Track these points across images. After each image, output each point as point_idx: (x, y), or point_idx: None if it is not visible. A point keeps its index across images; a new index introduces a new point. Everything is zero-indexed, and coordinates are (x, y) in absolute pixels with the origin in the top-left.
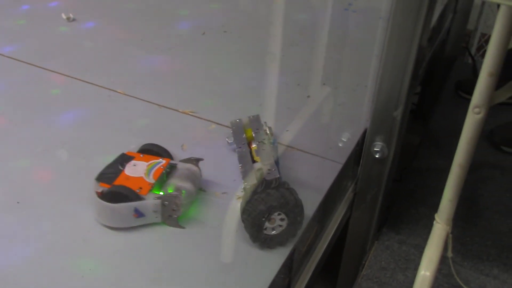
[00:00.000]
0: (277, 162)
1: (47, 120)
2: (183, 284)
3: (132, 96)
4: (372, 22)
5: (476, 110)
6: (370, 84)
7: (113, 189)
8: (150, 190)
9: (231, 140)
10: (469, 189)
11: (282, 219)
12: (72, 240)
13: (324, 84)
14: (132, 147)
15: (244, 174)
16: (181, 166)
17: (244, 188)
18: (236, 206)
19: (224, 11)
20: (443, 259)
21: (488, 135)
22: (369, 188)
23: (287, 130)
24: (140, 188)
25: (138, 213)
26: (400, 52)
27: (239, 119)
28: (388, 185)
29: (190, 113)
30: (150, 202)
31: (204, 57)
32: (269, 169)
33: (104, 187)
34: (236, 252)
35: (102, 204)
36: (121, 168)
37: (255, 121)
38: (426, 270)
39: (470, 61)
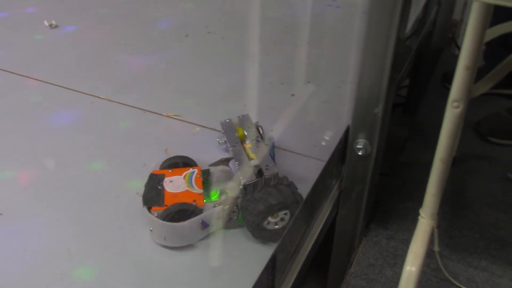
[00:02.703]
0: (273, 158)
1: (29, 129)
2: None
3: (115, 102)
4: (356, 17)
5: (455, 104)
6: (355, 80)
7: (174, 208)
8: (204, 200)
9: (222, 141)
10: (456, 181)
11: (285, 213)
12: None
13: (308, 82)
14: (153, 165)
15: (242, 171)
16: (214, 170)
17: (244, 186)
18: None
19: (208, 12)
20: (431, 253)
21: (475, 127)
22: (354, 186)
23: (272, 130)
24: (195, 200)
25: (204, 225)
26: (378, 47)
27: (229, 119)
28: (373, 181)
29: (174, 116)
30: (213, 210)
31: (187, 59)
32: (267, 165)
33: (158, 210)
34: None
35: (171, 226)
36: (161, 188)
37: (245, 120)
38: (411, 266)
39: (457, 52)
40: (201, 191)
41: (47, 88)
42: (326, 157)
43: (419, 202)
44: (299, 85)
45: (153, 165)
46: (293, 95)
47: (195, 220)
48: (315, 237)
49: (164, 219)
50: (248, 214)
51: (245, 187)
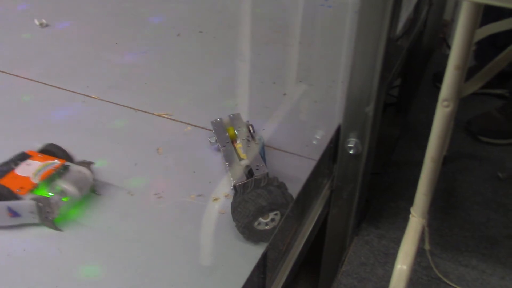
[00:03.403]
0: (263, 158)
1: (19, 128)
2: None
3: (106, 101)
4: (347, 17)
5: (445, 103)
6: (346, 80)
7: None
8: (31, 191)
9: (213, 140)
10: (447, 180)
11: (275, 214)
12: None
13: (300, 81)
14: (35, 146)
15: (232, 172)
16: (73, 168)
17: (234, 186)
18: (213, 207)
19: (200, 11)
20: (422, 252)
21: (465, 126)
22: (345, 185)
23: (263, 129)
24: (21, 188)
25: (13, 213)
26: (369, 47)
27: (220, 119)
28: (365, 180)
29: (165, 115)
30: (24, 202)
31: (179, 59)
32: (257, 165)
33: None
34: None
35: None
36: (14, 167)
37: (236, 120)
38: (402, 264)
39: (448, 52)
40: (38, 182)
41: (38, 87)
42: (317, 156)
43: (410, 201)
44: (290, 84)
45: (37, 146)
46: (284, 94)
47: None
48: (306, 236)
49: None
50: (238, 215)
51: (235, 187)
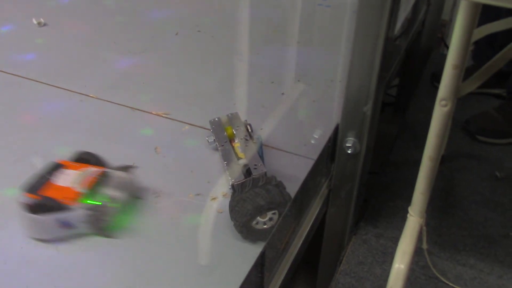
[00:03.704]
0: (262, 157)
1: (16, 128)
2: None
3: (104, 100)
4: (346, 17)
5: (443, 102)
6: (344, 79)
7: (38, 200)
8: (79, 200)
9: (211, 140)
10: (445, 179)
11: (273, 213)
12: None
13: (298, 81)
14: (66, 155)
15: (230, 171)
16: (114, 174)
17: (232, 185)
18: (211, 207)
19: (199, 10)
20: (420, 251)
21: (463, 125)
22: (344, 184)
23: (261, 128)
24: (67, 198)
25: (66, 224)
26: (367, 46)
27: (218, 118)
28: (363, 179)
29: (163, 115)
30: (76, 212)
31: (177, 58)
32: (255, 165)
33: (30, 197)
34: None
35: (26, 216)
36: (49, 177)
37: (235, 119)
38: (400, 263)
39: (446, 52)
40: (81, 191)
41: (36, 86)
42: (315, 155)
43: (408, 200)
44: (289, 84)
45: (68, 155)
46: (283, 94)
47: (50, 217)
48: (304, 235)
49: (26, 209)
50: (236, 214)
51: (234, 187)
